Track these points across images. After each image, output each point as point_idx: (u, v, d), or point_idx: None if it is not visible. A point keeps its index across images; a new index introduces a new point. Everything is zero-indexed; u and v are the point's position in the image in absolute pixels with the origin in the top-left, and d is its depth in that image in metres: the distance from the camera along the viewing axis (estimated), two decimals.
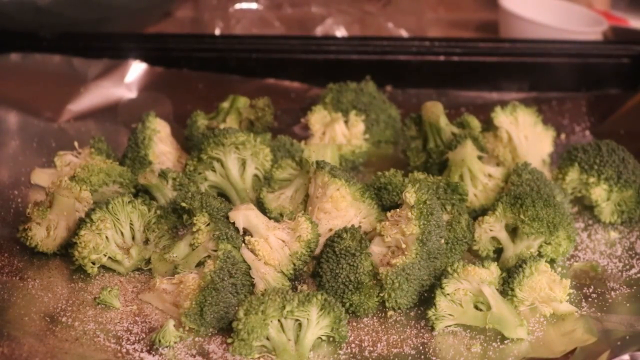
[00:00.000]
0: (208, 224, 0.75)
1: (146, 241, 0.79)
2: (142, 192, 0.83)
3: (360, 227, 0.77)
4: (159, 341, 0.69)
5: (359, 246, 0.74)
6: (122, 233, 0.78)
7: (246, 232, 0.75)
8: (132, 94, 1.04)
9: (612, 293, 0.77)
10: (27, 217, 0.80)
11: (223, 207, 0.77)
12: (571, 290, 0.76)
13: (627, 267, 0.81)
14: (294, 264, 0.74)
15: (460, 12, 1.44)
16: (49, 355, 0.68)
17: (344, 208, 0.78)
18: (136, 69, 1.04)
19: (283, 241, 0.75)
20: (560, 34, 1.22)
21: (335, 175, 0.78)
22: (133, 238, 0.79)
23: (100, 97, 1.02)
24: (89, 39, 1.08)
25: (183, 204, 0.77)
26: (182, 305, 0.71)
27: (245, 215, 0.74)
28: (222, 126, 0.93)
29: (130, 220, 0.78)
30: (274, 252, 0.74)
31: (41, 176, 0.86)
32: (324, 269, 0.74)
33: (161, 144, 0.90)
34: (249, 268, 0.74)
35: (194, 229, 0.75)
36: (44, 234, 0.79)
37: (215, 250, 0.73)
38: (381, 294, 0.74)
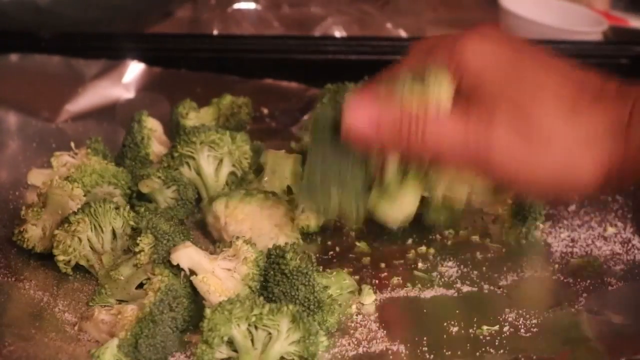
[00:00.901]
0: (152, 246, 0.73)
1: (127, 249, 0.77)
2: (138, 198, 0.83)
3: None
4: (97, 357, 0.67)
5: (309, 263, 0.72)
6: (102, 238, 0.77)
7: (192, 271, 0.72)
8: (130, 94, 1.03)
9: (609, 288, 0.77)
10: (22, 219, 0.80)
11: (170, 231, 0.75)
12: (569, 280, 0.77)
13: (624, 261, 0.82)
14: (250, 286, 0.72)
15: (460, 11, 1.44)
16: (45, 355, 0.68)
17: (242, 218, 0.78)
18: (134, 69, 1.04)
19: (229, 269, 0.72)
20: (561, 34, 1.22)
21: (215, 198, 0.78)
22: (116, 245, 0.78)
23: (98, 97, 1.02)
24: (88, 39, 1.08)
25: (132, 224, 0.77)
26: (118, 335, 0.68)
27: (186, 254, 0.72)
28: (193, 115, 0.93)
29: (113, 227, 0.77)
30: (225, 282, 0.71)
31: (38, 177, 0.86)
32: (276, 294, 0.71)
33: (157, 144, 0.90)
34: (192, 303, 0.72)
35: (137, 249, 0.74)
36: (40, 234, 0.79)
37: (154, 274, 0.71)
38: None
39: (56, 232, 0.76)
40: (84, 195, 0.80)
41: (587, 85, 0.69)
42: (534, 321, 0.73)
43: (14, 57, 1.03)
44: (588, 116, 0.67)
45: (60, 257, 0.76)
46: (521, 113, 0.67)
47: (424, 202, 0.74)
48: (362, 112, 0.68)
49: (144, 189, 0.81)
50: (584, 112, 0.67)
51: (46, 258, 0.78)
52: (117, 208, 0.77)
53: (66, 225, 0.76)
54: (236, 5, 1.22)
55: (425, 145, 0.67)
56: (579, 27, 1.28)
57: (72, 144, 0.87)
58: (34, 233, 0.79)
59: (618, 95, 0.68)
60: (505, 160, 0.67)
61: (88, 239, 0.76)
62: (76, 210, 0.77)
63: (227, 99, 0.95)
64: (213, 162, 0.85)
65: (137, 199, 0.83)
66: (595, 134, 0.67)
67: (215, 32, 1.20)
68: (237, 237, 0.74)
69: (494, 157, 0.67)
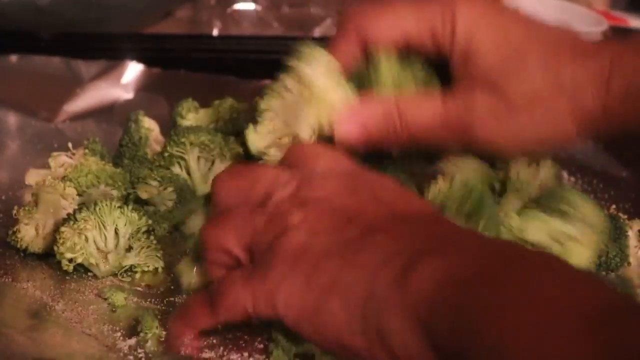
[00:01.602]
0: None
1: (129, 249, 0.78)
2: (136, 200, 0.83)
3: None
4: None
5: None
6: (105, 237, 0.77)
7: None
8: (129, 95, 1.03)
9: None
10: (15, 219, 0.80)
11: None
12: None
13: None
14: None
15: None
16: (41, 352, 0.68)
17: None
18: (133, 70, 1.04)
19: None
20: None
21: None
22: (118, 244, 0.78)
23: (96, 98, 1.02)
24: (87, 39, 1.08)
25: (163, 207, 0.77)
26: None
27: None
28: (191, 116, 0.93)
29: (116, 226, 0.77)
30: None
31: (35, 177, 0.86)
32: None
33: (155, 144, 0.90)
34: None
35: (188, 232, 0.77)
36: (34, 234, 0.79)
37: None
38: None
39: (62, 229, 0.76)
40: (80, 195, 0.81)
41: (567, 42, 0.70)
42: None
43: (13, 58, 1.04)
44: (570, 71, 0.69)
45: (67, 255, 0.76)
46: (504, 80, 0.69)
47: None
48: (351, 124, 0.71)
49: (143, 195, 0.81)
50: (566, 67, 0.69)
51: (42, 258, 0.79)
52: (120, 207, 0.78)
53: (72, 223, 0.76)
54: (236, 6, 1.21)
55: (410, 131, 0.70)
56: (578, 27, 1.27)
57: (70, 145, 0.87)
58: (27, 233, 0.79)
59: (596, 50, 0.69)
60: (488, 130, 0.69)
61: (93, 238, 0.77)
62: (80, 208, 0.77)
63: (228, 102, 0.95)
64: (205, 164, 0.85)
65: (134, 201, 0.83)
66: (577, 85, 0.68)
67: (215, 33, 1.20)
68: None
69: (477, 129, 0.69)
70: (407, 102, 0.71)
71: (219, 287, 0.63)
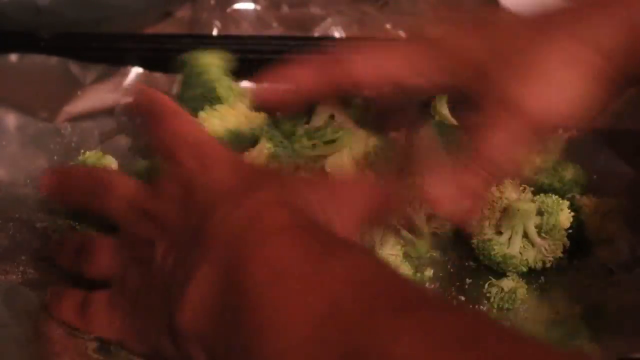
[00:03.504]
0: None
1: None
2: None
3: None
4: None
5: None
6: None
7: None
8: (129, 98, 1.03)
9: None
10: None
11: None
12: None
13: None
14: None
15: (461, 11, 1.43)
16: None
17: None
18: (134, 73, 1.04)
19: None
20: None
21: None
22: None
23: (97, 100, 1.02)
24: (87, 39, 1.08)
25: None
26: None
27: None
28: None
29: None
30: None
31: None
32: None
33: None
34: None
35: None
36: None
37: None
38: None
39: None
40: None
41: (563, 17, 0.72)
42: None
43: (13, 57, 1.04)
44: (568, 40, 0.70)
45: None
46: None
47: None
48: None
49: None
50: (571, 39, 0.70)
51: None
52: None
53: None
54: (235, 6, 1.21)
55: None
56: None
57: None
58: None
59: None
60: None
61: None
62: None
63: None
64: None
65: None
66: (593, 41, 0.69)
67: (214, 33, 1.20)
68: None
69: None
70: None
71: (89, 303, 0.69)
